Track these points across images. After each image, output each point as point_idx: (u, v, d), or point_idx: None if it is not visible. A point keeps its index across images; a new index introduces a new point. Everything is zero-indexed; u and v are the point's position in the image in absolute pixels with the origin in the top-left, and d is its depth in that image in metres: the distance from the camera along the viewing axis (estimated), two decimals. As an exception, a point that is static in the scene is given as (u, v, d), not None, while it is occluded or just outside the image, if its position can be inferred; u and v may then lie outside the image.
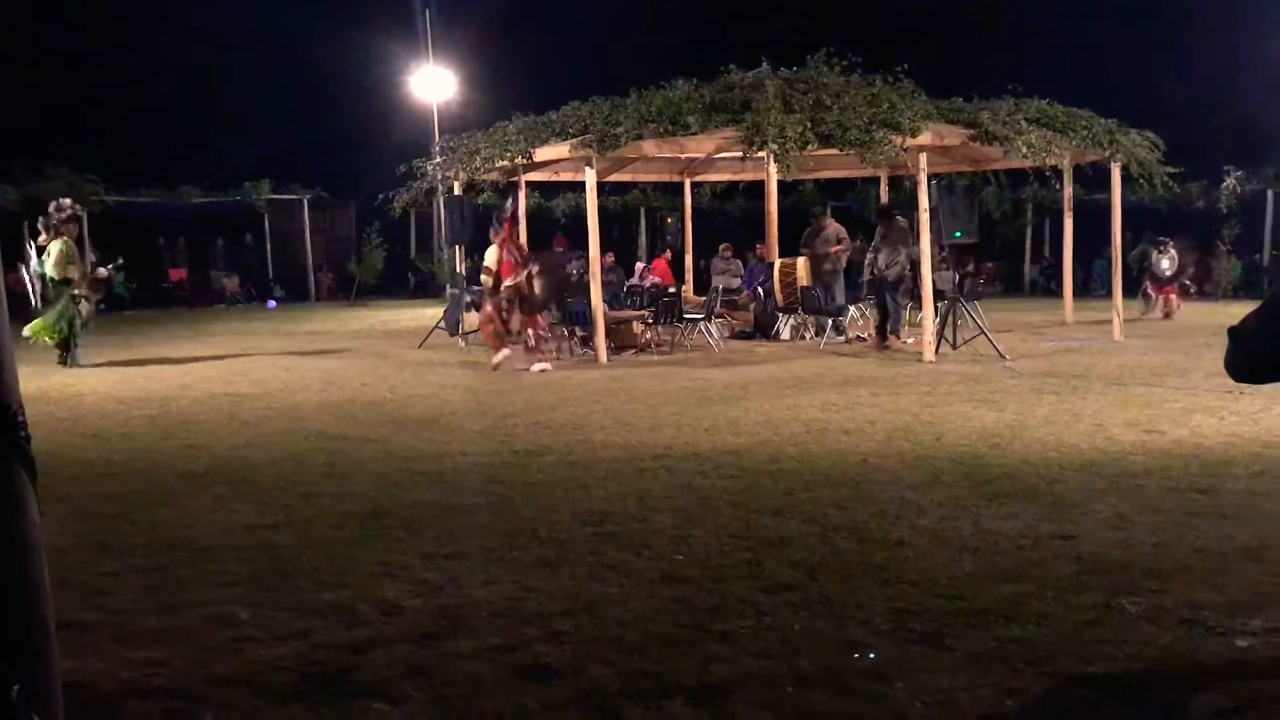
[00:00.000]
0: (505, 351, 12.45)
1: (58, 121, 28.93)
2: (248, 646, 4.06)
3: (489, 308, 12.68)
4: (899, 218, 14.88)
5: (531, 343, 12.59)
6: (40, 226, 13.31)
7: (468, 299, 15.95)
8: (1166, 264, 18.23)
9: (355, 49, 30.65)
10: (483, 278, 12.72)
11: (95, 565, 5.08)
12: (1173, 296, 18.13)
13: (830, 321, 15.02)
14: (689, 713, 3.44)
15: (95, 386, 11.45)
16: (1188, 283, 20.12)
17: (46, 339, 13.09)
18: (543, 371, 12.15)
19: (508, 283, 12.42)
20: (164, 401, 10.32)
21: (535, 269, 12.63)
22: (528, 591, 4.60)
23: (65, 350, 13.19)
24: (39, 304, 13.24)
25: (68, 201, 13.75)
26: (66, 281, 13.09)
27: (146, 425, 9.05)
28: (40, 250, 13.22)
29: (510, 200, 13.57)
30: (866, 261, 14.93)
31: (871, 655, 3.86)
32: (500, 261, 12.51)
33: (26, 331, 12.78)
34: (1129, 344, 13.96)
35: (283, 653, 3.98)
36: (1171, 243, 18.61)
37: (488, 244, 12.89)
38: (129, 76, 31.40)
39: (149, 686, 3.72)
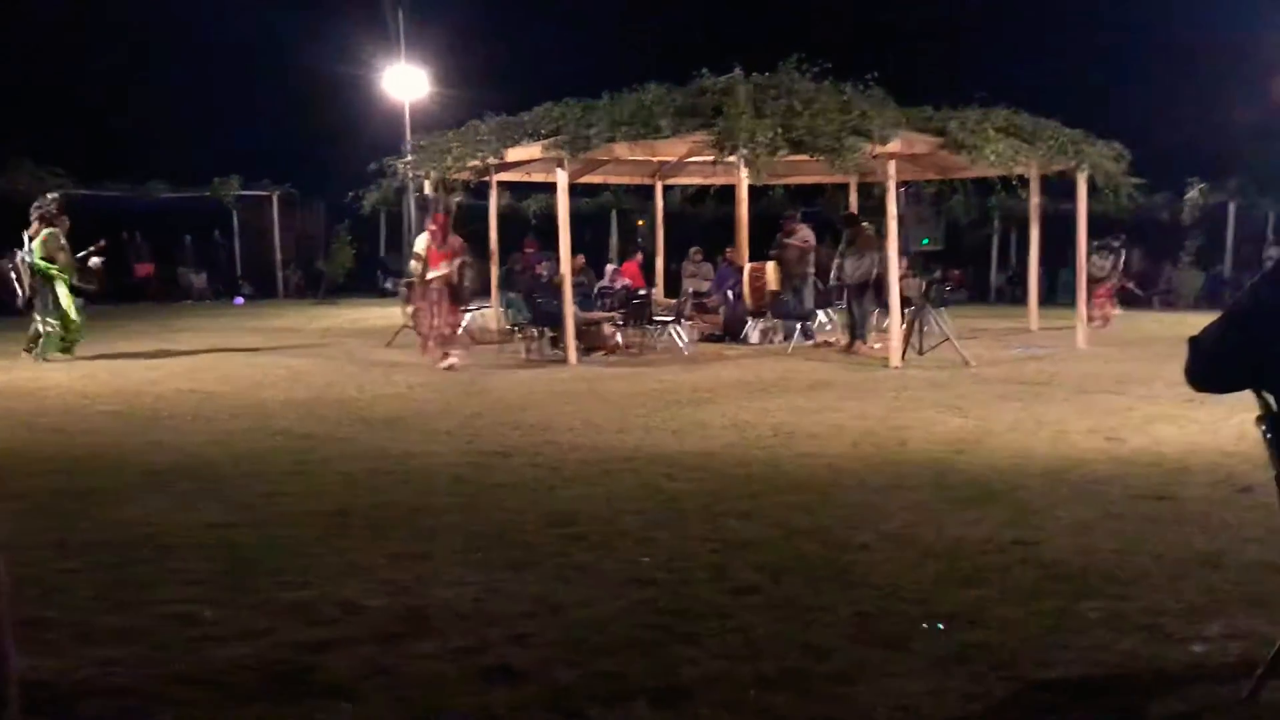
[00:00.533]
0: (456, 355, 12.51)
1: (20, 113, 28.56)
2: (209, 645, 4.02)
3: (422, 302, 12.69)
4: (865, 224, 14.95)
5: (447, 332, 12.61)
6: (32, 216, 13.21)
7: (403, 292, 15.87)
8: (1099, 262, 18.01)
9: (327, 46, 30.44)
10: (413, 264, 12.76)
11: (55, 562, 5.02)
12: (1108, 304, 18.10)
13: (799, 326, 15.07)
14: (652, 714, 3.44)
15: (59, 381, 11.33)
16: (1132, 286, 20.12)
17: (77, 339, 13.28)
18: (449, 369, 12.15)
19: (436, 272, 12.44)
20: (128, 398, 10.22)
21: (467, 259, 12.72)
22: (493, 592, 4.58)
23: (36, 343, 13.12)
24: (26, 294, 13.15)
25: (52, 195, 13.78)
26: (47, 271, 13.02)
27: (110, 421, 8.96)
28: (30, 239, 13.15)
29: (441, 192, 13.48)
30: (834, 266, 14.99)
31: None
32: (428, 249, 12.58)
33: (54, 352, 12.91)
34: (1093, 352, 14.11)
35: (244, 652, 3.95)
36: (1116, 242, 18.57)
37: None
38: (96, 69, 31.08)
39: (108, 685, 3.68)
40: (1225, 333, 3.15)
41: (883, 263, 14.07)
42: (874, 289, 14.37)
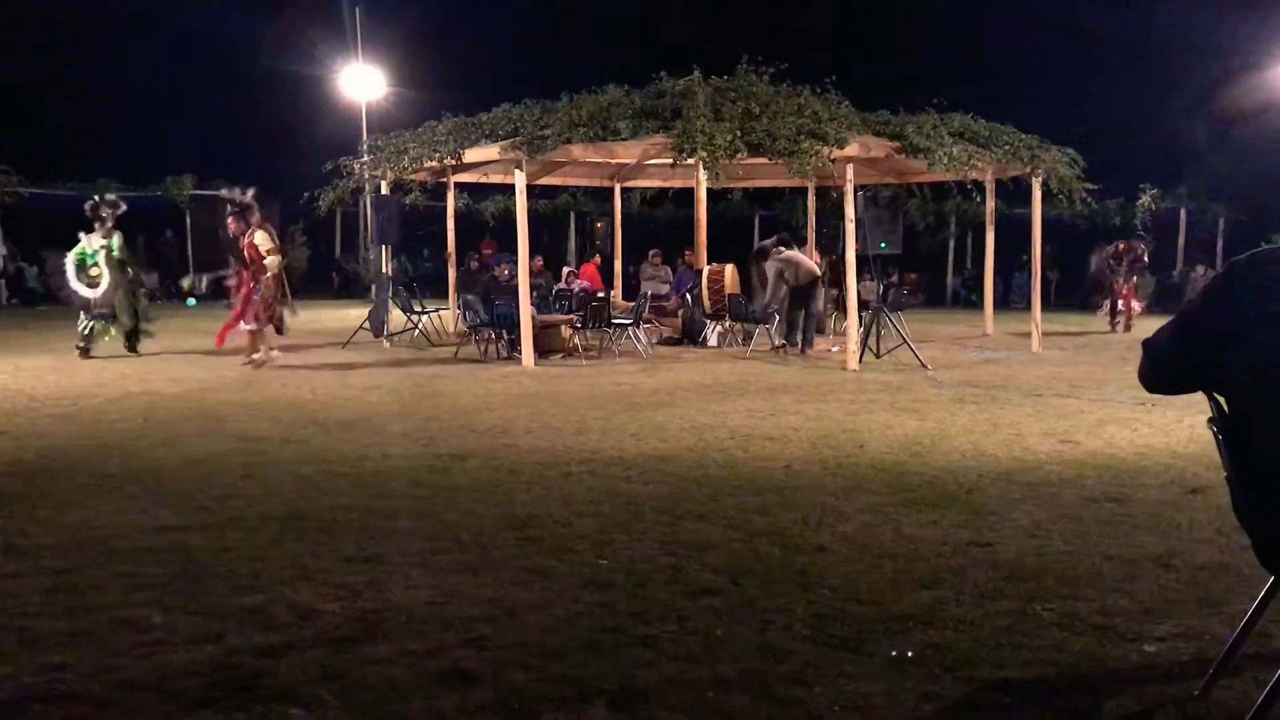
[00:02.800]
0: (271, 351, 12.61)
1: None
2: (159, 651, 3.95)
3: (266, 293, 12.65)
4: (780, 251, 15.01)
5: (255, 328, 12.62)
6: (104, 214, 13.63)
7: (387, 296, 15.81)
8: (1114, 265, 18.21)
9: (282, 45, 30.20)
10: (270, 259, 12.64)
11: (0, 566, 4.92)
12: (1130, 304, 18.16)
13: (755, 328, 15.11)
14: (610, 718, 3.42)
15: (6, 383, 11.13)
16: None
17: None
18: (249, 364, 12.17)
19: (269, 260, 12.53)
20: (77, 399, 10.05)
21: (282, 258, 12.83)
22: (449, 596, 4.54)
23: (88, 341, 13.55)
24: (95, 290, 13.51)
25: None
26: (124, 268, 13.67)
27: (59, 423, 8.81)
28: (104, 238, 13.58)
29: (242, 188, 13.38)
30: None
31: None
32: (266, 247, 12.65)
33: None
34: (1047, 355, 14.26)
35: (195, 657, 3.88)
36: (1128, 244, 18.62)
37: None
38: (45, 66, 30.62)
39: (55, 692, 3.60)
40: (1176, 336, 3.19)
41: (830, 267, 14.23)
42: (809, 294, 14.39)
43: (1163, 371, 3.27)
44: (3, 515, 5.85)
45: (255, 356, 12.57)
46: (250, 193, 12.85)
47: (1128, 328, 17.56)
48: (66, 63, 31.13)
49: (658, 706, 3.49)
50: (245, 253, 12.68)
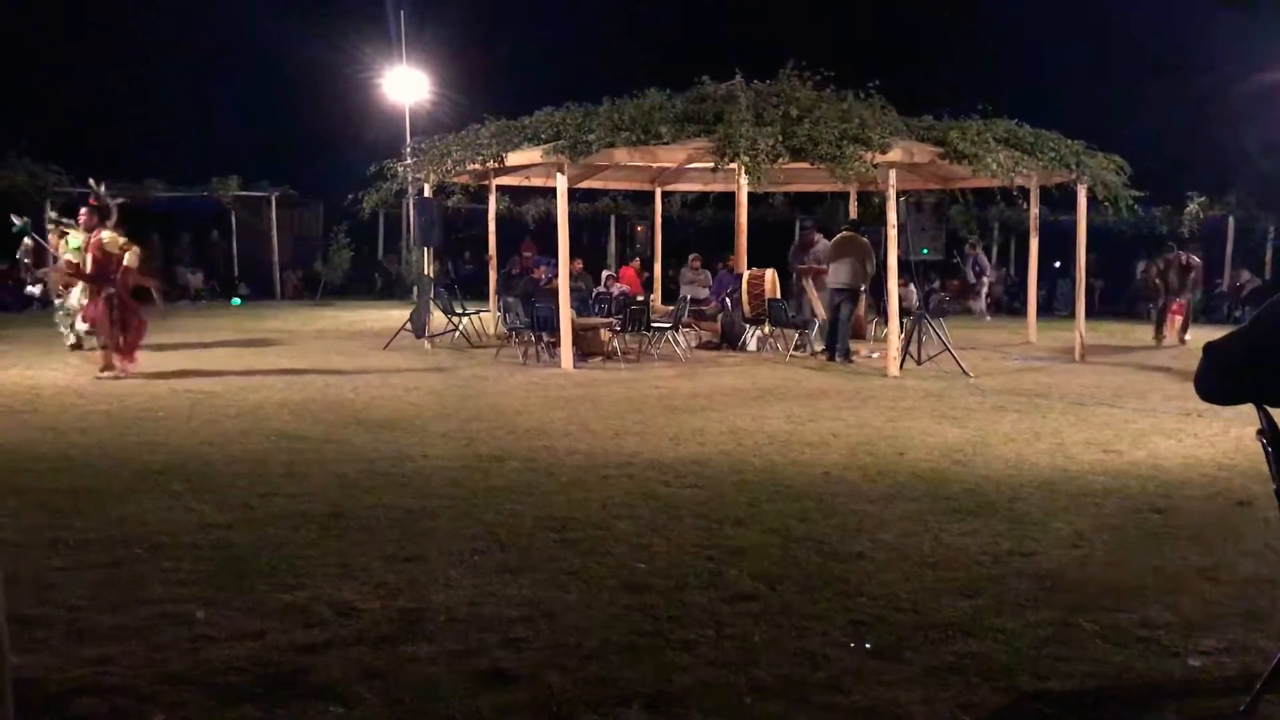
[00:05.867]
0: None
1: (20, 110, 28.55)
2: (202, 646, 4.01)
3: (121, 292, 11.91)
4: (848, 231, 14.77)
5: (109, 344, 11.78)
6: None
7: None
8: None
9: (328, 48, 30.47)
10: (129, 256, 11.90)
11: (48, 560, 5.00)
12: (1178, 320, 17.53)
13: (797, 334, 15.05)
14: (646, 721, 3.43)
15: (54, 380, 11.30)
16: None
17: None
18: (102, 376, 11.42)
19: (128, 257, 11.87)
20: (123, 397, 10.19)
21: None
22: (487, 596, 4.57)
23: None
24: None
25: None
26: None
27: (105, 420, 8.94)
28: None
29: (105, 185, 13.04)
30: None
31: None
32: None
33: None
34: (1090, 364, 14.10)
35: (237, 653, 3.93)
36: (1175, 254, 17.67)
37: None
38: (96, 67, 31.07)
39: (100, 684, 3.66)
40: (1243, 345, 3.11)
41: (862, 274, 14.02)
42: (850, 298, 14.10)
43: (1224, 380, 3.19)
44: (50, 510, 5.95)
45: (106, 370, 11.63)
46: (104, 191, 12.59)
47: (1182, 340, 17.11)
48: (115, 62, 31.57)
49: (694, 711, 3.49)
50: (89, 253, 11.91)
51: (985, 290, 23.60)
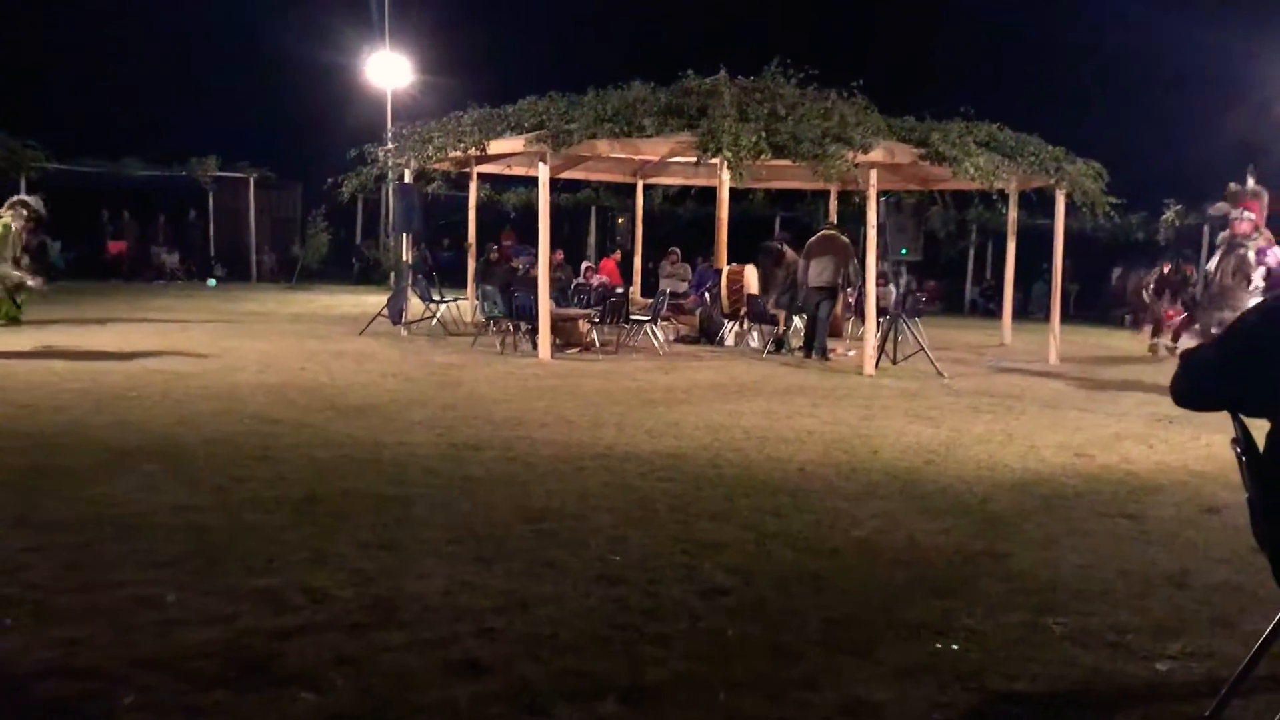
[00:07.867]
0: None
1: (-1, 85, 28.29)
2: (172, 629, 3.98)
3: None
4: (829, 230, 14.79)
5: None
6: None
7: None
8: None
9: (310, 30, 30.30)
10: None
11: (16, 540, 4.95)
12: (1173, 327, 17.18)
13: (776, 329, 15.06)
14: (620, 713, 3.43)
15: (28, 356, 11.19)
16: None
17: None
18: None
19: None
20: (97, 375, 10.10)
21: None
22: (462, 586, 4.56)
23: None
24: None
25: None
26: None
27: (78, 399, 8.86)
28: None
29: None
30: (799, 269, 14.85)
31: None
32: None
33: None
34: (1064, 367, 14.20)
35: (209, 637, 3.91)
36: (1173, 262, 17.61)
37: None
38: (76, 43, 30.78)
39: (68, 667, 3.63)
40: (1220, 353, 3.14)
41: (843, 272, 14.02)
42: (829, 296, 14.08)
43: (1200, 387, 3.22)
44: (20, 488, 5.89)
45: None
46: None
47: (1171, 350, 16.96)
48: (95, 40, 31.26)
49: (669, 705, 3.50)
50: None
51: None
